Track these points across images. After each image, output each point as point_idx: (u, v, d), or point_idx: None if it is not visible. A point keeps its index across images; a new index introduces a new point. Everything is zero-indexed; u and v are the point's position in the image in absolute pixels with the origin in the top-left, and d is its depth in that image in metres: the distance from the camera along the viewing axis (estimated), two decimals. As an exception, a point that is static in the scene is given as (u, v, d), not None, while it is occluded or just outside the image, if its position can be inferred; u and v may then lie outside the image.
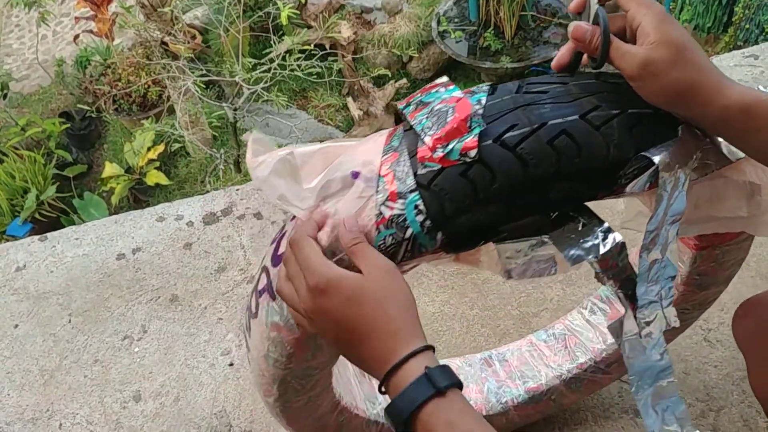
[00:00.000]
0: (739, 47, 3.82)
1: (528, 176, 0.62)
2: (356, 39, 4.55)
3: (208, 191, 3.85)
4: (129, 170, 3.99)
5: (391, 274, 0.61)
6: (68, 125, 4.35)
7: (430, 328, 1.50)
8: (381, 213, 0.62)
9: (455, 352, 1.45)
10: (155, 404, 1.41)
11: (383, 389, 0.60)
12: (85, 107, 3.86)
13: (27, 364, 1.50)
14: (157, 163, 3.97)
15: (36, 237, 1.73)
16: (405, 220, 0.62)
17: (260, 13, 3.62)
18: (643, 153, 0.64)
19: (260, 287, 0.73)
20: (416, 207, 0.61)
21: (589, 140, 0.63)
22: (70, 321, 1.56)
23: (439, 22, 4.55)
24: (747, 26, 3.81)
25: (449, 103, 0.63)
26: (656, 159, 0.63)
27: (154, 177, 3.87)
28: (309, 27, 4.44)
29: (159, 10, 3.35)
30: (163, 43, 3.58)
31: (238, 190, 1.77)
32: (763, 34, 3.72)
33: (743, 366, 1.31)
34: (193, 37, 4.19)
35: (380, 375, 0.59)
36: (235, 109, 3.41)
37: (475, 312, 1.51)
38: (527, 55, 4.39)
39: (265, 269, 0.73)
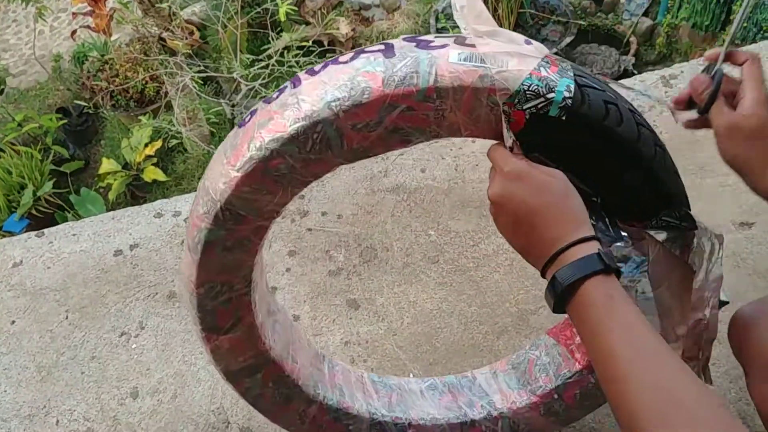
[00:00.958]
0: (737, 46, 3.82)
1: (628, 141, 0.74)
2: (354, 36, 4.54)
3: (205, 188, 3.84)
4: (126, 166, 3.97)
5: (564, 178, 0.71)
6: (65, 121, 4.33)
7: (428, 325, 1.49)
8: (539, 69, 0.70)
9: (454, 349, 1.45)
10: (153, 401, 1.41)
11: (545, 271, 0.69)
12: (83, 103, 3.84)
13: (24, 360, 1.49)
14: (155, 160, 3.96)
15: (33, 233, 1.73)
16: (555, 86, 0.71)
17: (258, 10, 3.61)
18: (687, 211, 0.80)
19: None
20: (567, 86, 0.71)
21: (674, 170, 0.80)
22: (67, 317, 1.56)
23: (437, 19, 4.54)
24: (745, 24, 3.81)
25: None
26: (698, 221, 0.79)
27: (152, 173, 3.86)
28: (307, 23, 4.43)
29: (157, 5, 3.34)
30: (161, 38, 3.57)
31: (236, 186, 1.77)
32: (761, 32, 3.72)
33: (741, 364, 1.32)
34: (191, 33, 4.18)
35: (549, 253, 0.68)
36: (233, 106, 3.40)
37: (473, 309, 1.51)
38: (525, 53, 4.38)
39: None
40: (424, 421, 1.13)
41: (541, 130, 0.73)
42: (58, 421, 1.39)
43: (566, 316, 0.92)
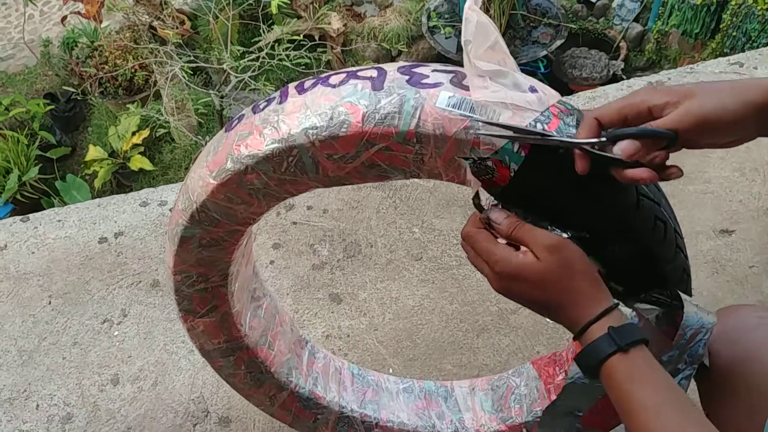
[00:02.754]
0: (726, 54, 3.87)
1: (621, 208, 0.69)
2: (346, 31, 4.55)
3: (192, 178, 3.84)
4: (113, 154, 3.96)
5: (562, 248, 0.67)
6: (53, 107, 4.31)
7: (409, 321, 1.51)
8: (535, 126, 0.65)
9: (434, 346, 1.47)
10: (133, 388, 1.42)
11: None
12: (71, 89, 3.82)
13: (5, 344, 1.49)
14: (142, 148, 3.95)
15: (18, 217, 1.72)
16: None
17: (250, 1, 3.61)
18: (679, 291, 0.74)
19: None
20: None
21: (672, 249, 0.74)
22: (50, 303, 1.56)
23: (429, 18, 4.56)
24: (734, 33, 3.86)
25: None
26: (686, 302, 0.73)
27: (138, 162, 3.85)
28: (299, 17, 4.43)
29: (148, -6, 3.33)
30: (152, 27, 3.56)
31: (223, 177, 1.78)
32: (750, 42, 3.76)
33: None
34: (182, 23, 4.17)
35: (573, 333, 0.68)
36: (222, 97, 3.39)
37: (454, 307, 1.53)
38: (516, 54, 4.41)
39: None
40: (391, 423, 1.14)
41: (529, 187, 0.68)
42: (38, 405, 1.40)
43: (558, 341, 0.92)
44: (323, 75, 0.73)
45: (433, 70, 0.70)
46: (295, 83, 0.74)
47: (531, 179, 0.67)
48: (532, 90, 0.67)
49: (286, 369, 1.09)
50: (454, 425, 1.14)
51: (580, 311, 0.67)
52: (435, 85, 0.67)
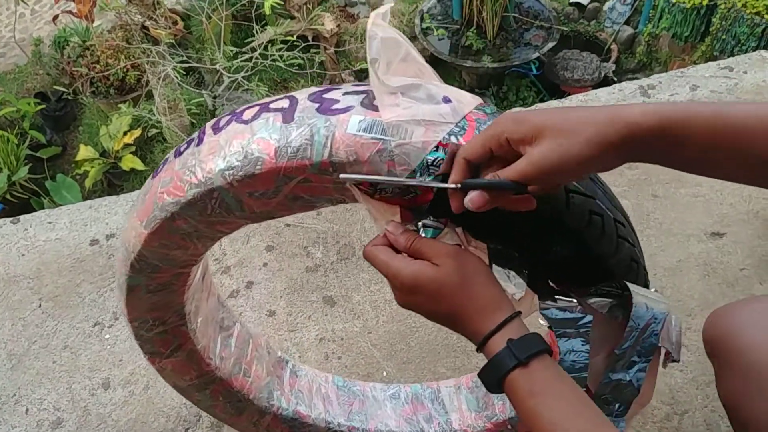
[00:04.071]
0: (715, 57, 3.89)
1: (543, 212, 0.65)
2: (339, 32, 4.54)
3: (184, 179, 3.82)
4: (104, 154, 3.94)
5: (461, 257, 0.66)
6: (43, 106, 4.28)
7: (403, 324, 1.51)
8: (449, 139, 0.63)
9: (428, 348, 1.47)
10: (124, 392, 1.41)
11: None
12: (62, 89, 3.80)
13: (-5, 347, 1.48)
14: (133, 148, 3.92)
15: (8, 219, 1.71)
16: None
17: (243, 2, 3.60)
18: (628, 284, 0.71)
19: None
20: None
21: (612, 242, 0.70)
22: (40, 305, 1.55)
23: (422, 19, 4.55)
24: (723, 37, 3.88)
25: None
26: (635, 293, 0.71)
27: (130, 162, 3.83)
28: (292, 18, 4.42)
29: (141, -7, 3.31)
30: (144, 27, 3.53)
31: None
32: (739, 45, 3.79)
33: (708, 371, 1.34)
34: (175, 23, 4.15)
35: (475, 345, 0.66)
36: (215, 97, 3.38)
37: (447, 310, 1.53)
38: (508, 56, 4.42)
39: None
40: None
41: (448, 206, 0.65)
42: (27, 410, 1.38)
43: None
44: (238, 110, 0.71)
45: (345, 93, 0.68)
46: (213, 121, 0.72)
47: (446, 212, 0.65)
48: (446, 100, 0.65)
49: (266, 393, 1.08)
50: (442, 427, 1.14)
51: (480, 323, 0.65)
52: (346, 110, 0.65)
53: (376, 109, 0.65)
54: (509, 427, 1.11)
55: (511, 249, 0.71)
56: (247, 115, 0.69)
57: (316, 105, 0.67)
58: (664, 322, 0.72)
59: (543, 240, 0.70)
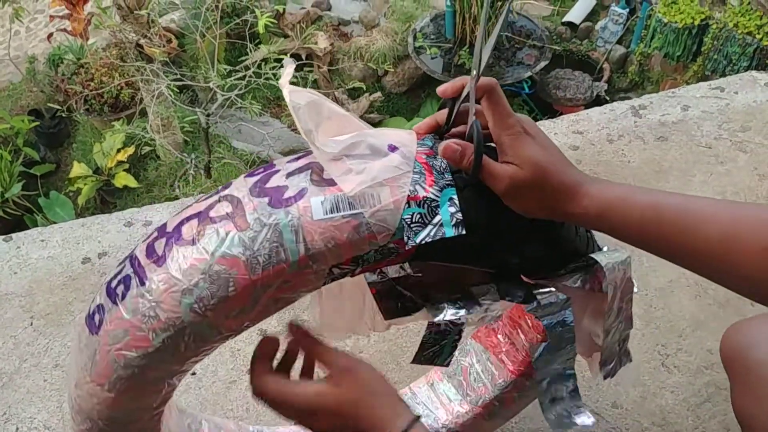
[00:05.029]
0: (707, 77, 3.93)
1: (519, 220, 0.66)
2: (332, 50, 4.57)
3: (177, 196, 3.82)
4: (97, 171, 3.95)
5: (356, 369, 0.67)
6: (37, 123, 4.29)
7: (394, 343, 1.51)
8: (416, 191, 0.61)
9: (419, 368, 1.46)
10: (115, 411, 1.40)
11: None
12: (56, 106, 3.81)
13: (-15, 366, 1.47)
14: (126, 165, 3.94)
15: (0, 237, 1.71)
16: (438, 206, 0.62)
17: (237, 21, 3.62)
18: (591, 255, 0.72)
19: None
20: (450, 199, 0.62)
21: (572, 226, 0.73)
22: (31, 324, 1.54)
23: (415, 38, 4.60)
24: (715, 56, 3.93)
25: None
26: (603, 263, 0.71)
27: (123, 179, 3.84)
28: (286, 36, 4.45)
29: (135, 12, 3.34)
30: (138, 45, 3.55)
31: (208, 197, 1.77)
32: (731, 64, 3.83)
33: (699, 392, 1.35)
34: (169, 41, 4.17)
35: None
36: (208, 115, 3.40)
37: (440, 328, 1.53)
38: (501, 75, 4.45)
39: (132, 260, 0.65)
40: None
41: (433, 251, 0.64)
42: (17, 429, 1.37)
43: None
44: (168, 228, 0.63)
45: (287, 175, 0.62)
46: (142, 249, 0.63)
47: (433, 247, 0.64)
48: (392, 148, 0.63)
49: None
50: (433, 427, 1.14)
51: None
52: (300, 195, 0.60)
53: (329, 183, 0.61)
54: (496, 403, 1.10)
55: (481, 257, 0.70)
56: (187, 233, 0.61)
57: (266, 200, 0.60)
58: (629, 265, 0.74)
59: (521, 242, 0.70)
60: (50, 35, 3.97)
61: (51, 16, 3.96)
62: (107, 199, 4.05)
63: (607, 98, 4.39)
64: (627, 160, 1.77)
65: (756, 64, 3.69)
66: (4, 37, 4.94)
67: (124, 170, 3.90)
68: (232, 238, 0.59)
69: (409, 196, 0.61)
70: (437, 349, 0.82)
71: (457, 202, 0.62)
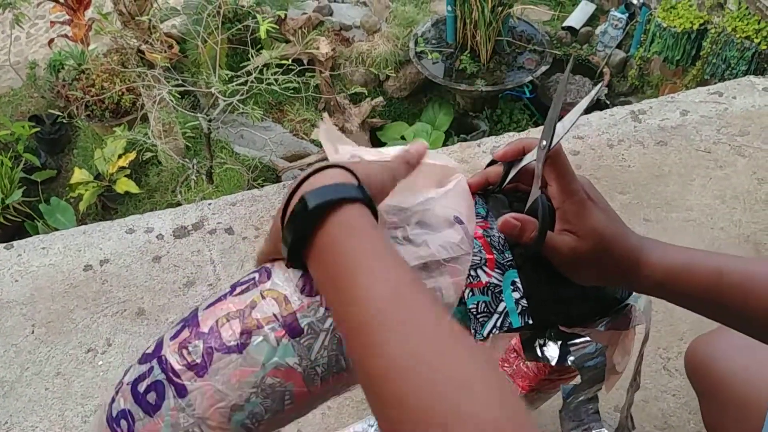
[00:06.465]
0: (706, 81, 3.94)
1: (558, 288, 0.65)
2: (334, 55, 4.58)
3: (178, 201, 3.83)
4: (98, 177, 3.95)
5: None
6: (38, 129, 4.29)
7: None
8: (478, 276, 0.57)
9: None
10: (117, 419, 1.40)
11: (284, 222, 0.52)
12: (57, 112, 3.82)
13: (-14, 374, 1.47)
14: (128, 171, 3.94)
15: (1, 245, 1.71)
16: (501, 292, 0.58)
17: (239, 26, 3.63)
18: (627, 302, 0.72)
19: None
20: (513, 282, 0.59)
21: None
22: (33, 332, 1.54)
23: (416, 43, 4.60)
24: (714, 60, 3.93)
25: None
26: (640, 305, 0.72)
27: (124, 185, 3.84)
28: (287, 41, 4.46)
29: (137, 18, 3.34)
30: (140, 51, 3.56)
31: (210, 204, 1.77)
32: (729, 68, 3.84)
33: (700, 397, 1.35)
34: (170, 47, 4.18)
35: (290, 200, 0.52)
36: (210, 120, 3.40)
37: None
38: (501, 79, 4.46)
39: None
40: None
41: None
42: (19, 438, 1.37)
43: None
44: (201, 329, 0.53)
45: None
46: (174, 351, 0.53)
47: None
48: (458, 220, 0.57)
49: None
50: None
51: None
52: None
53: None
54: None
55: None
56: (228, 336, 0.52)
57: (317, 299, 0.53)
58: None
59: (571, 304, 0.68)
60: (51, 41, 3.98)
61: (52, 22, 3.97)
62: (108, 204, 4.05)
63: (608, 102, 4.40)
64: (627, 165, 1.78)
65: (755, 67, 3.70)
66: (4, 43, 4.95)
67: (126, 176, 3.91)
68: (285, 346, 0.51)
69: (470, 283, 0.57)
70: (499, 319, 0.80)
71: (520, 285, 0.59)
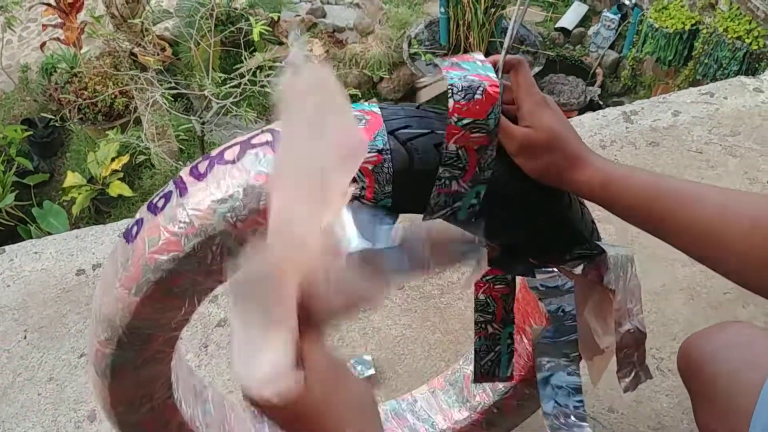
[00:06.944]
0: (698, 81, 3.95)
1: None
2: (328, 57, 4.58)
3: (172, 204, 3.81)
4: (91, 180, 3.93)
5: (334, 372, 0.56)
6: (30, 132, 4.27)
7: (392, 351, 1.51)
8: (450, 185, 0.69)
9: (416, 376, 1.46)
10: (110, 424, 1.39)
11: None
12: (49, 115, 3.80)
13: (-21, 380, 1.47)
14: (121, 174, 3.92)
15: (-7, 249, 1.70)
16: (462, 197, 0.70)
17: (232, 28, 3.62)
18: (597, 243, 0.78)
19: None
20: (478, 194, 0.71)
21: (578, 208, 0.78)
22: (25, 337, 1.53)
23: (410, 45, 4.61)
24: (706, 61, 3.95)
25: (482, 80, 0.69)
26: (609, 252, 0.76)
27: (117, 188, 3.82)
28: (281, 44, 4.46)
29: (129, 21, 3.33)
30: (132, 53, 3.55)
31: (203, 207, 1.77)
32: (721, 69, 3.85)
33: (693, 397, 1.35)
34: (163, 49, 4.17)
35: None
36: (203, 123, 3.39)
37: (437, 336, 1.53)
38: (495, 80, 4.46)
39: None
40: None
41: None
42: (12, 443, 1.37)
43: None
44: (213, 153, 0.68)
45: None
46: (187, 169, 0.68)
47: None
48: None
49: None
50: None
51: None
52: None
53: None
54: (495, 410, 1.11)
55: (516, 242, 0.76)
56: (229, 155, 0.66)
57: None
58: (634, 263, 0.80)
59: (532, 214, 0.74)
60: (43, 44, 3.97)
61: (44, 25, 3.96)
62: (102, 208, 4.04)
63: (601, 103, 4.41)
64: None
65: (746, 67, 3.71)
66: (-3, 47, 4.93)
67: (119, 179, 3.89)
68: (267, 158, 0.64)
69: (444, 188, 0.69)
70: (494, 357, 0.87)
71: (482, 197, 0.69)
